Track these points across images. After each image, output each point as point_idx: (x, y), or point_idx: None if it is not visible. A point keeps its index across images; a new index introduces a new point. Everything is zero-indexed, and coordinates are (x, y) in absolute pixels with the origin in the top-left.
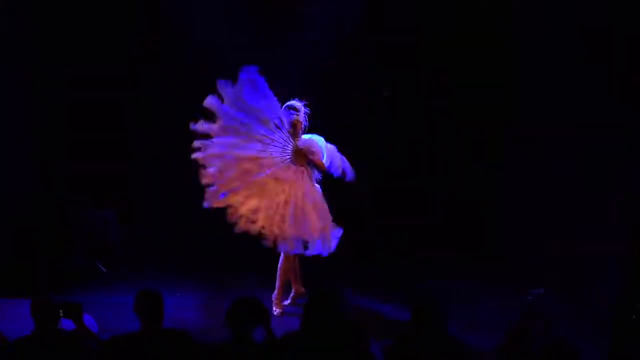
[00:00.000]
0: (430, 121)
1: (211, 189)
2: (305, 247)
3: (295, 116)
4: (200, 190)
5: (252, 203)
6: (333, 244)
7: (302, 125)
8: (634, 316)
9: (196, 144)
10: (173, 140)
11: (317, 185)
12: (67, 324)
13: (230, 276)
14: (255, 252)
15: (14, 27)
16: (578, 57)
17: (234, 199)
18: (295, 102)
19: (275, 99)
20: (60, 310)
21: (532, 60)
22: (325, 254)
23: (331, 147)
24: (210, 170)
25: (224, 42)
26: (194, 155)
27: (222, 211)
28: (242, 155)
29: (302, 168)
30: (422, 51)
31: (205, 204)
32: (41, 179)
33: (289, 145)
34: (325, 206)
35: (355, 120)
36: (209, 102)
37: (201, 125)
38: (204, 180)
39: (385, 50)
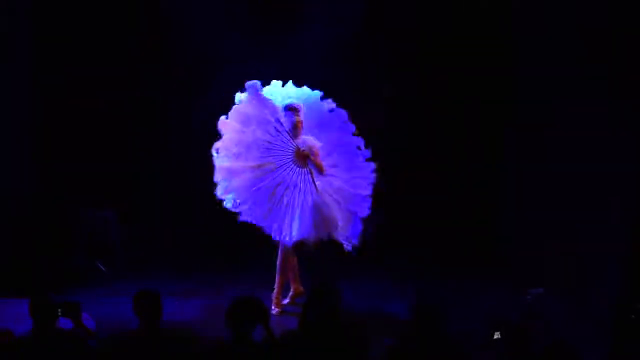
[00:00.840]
0: (430, 121)
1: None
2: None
3: (295, 117)
4: (199, 190)
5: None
6: (353, 235)
7: (302, 125)
8: (633, 316)
9: (217, 179)
10: (173, 140)
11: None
12: (65, 323)
13: (230, 276)
14: (255, 252)
15: (14, 27)
16: (578, 57)
17: None
18: (294, 103)
19: (272, 102)
20: (59, 310)
21: (532, 60)
22: (348, 248)
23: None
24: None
25: (224, 42)
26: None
27: (221, 211)
28: (247, 164)
29: (306, 169)
30: (422, 51)
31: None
32: (41, 179)
33: (290, 147)
34: (334, 206)
35: (354, 120)
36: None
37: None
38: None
39: (385, 50)
